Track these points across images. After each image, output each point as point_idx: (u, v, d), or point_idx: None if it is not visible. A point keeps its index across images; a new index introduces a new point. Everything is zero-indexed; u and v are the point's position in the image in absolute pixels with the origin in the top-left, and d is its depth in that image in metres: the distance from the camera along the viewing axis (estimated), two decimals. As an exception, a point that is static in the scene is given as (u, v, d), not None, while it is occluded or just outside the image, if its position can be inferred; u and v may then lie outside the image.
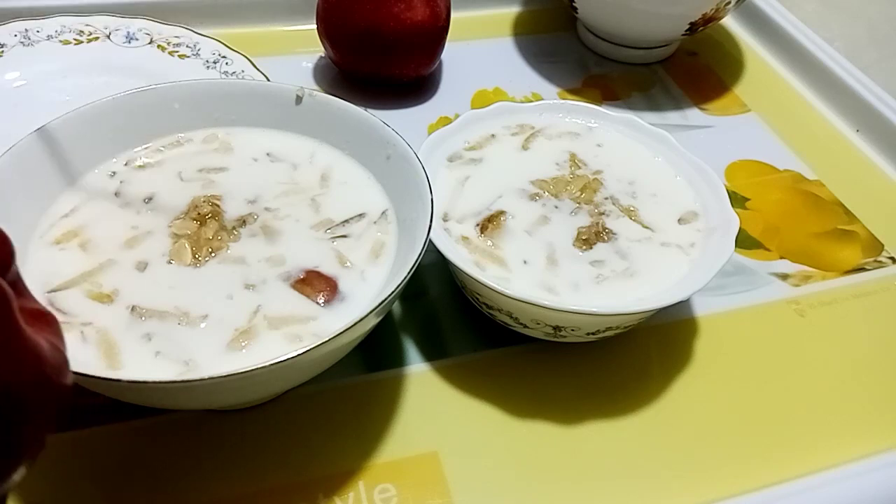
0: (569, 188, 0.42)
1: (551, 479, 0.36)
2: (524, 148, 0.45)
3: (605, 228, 0.40)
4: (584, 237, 0.39)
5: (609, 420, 0.38)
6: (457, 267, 0.36)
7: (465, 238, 0.39)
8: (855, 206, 0.52)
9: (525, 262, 0.38)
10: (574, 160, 0.44)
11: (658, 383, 0.40)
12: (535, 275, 0.37)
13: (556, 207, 0.41)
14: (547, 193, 0.42)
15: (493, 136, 0.45)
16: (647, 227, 0.41)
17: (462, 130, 0.44)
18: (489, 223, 0.40)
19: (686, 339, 0.42)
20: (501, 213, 0.40)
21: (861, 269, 0.47)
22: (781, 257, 0.48)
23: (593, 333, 0.38)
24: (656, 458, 0.37)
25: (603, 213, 0.41)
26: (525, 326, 0.38)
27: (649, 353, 0.41)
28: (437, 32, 0.53)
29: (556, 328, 0.37)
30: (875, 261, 0.48)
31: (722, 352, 0.42)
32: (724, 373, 0.41)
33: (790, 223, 0.50)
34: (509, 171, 0.43)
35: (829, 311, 0.45)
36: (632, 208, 0.42)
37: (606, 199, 0.42)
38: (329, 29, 0.53)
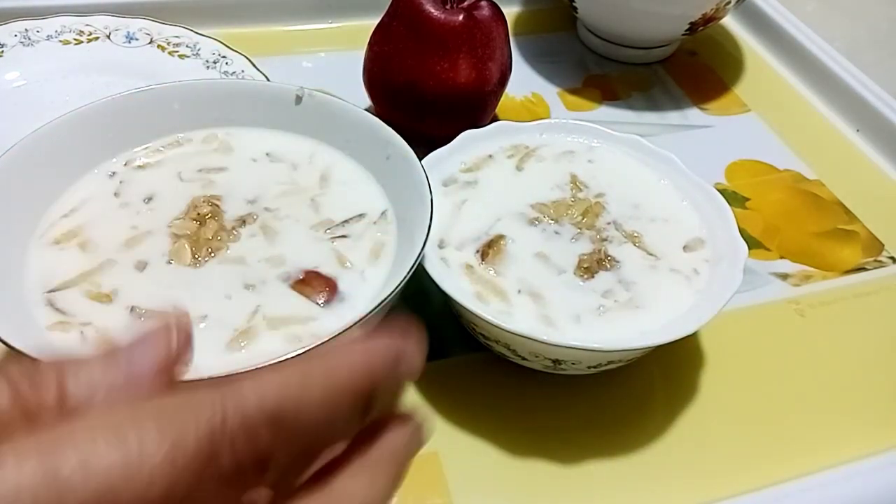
0: (570, 212, 0.40)
1: (551, 478, 0.36)
2: (521, 168, 0.43)
3: (607, 256, 0.38)
4: (585, 265, 0.38)
5: (608, 418, 0.38)
6: (453, 299, 0.34)
7: (469, 267, 0.37)
8: (855, 206, 0.52)
9: (524, 292, 0.36)
10: (575, 182, 0.42)
11: (657, 381, 0.40)
12: (535, 306, 0.36)
13: (557, 233, 0.39)
14: (547, 218, 0.40)
15: (490, 156, 0.43)
16: (651, 255, 0.39)
17: (458, 152, 0.42)
18: (489, 249, 0.38)
19: (685, 339, 0.42)
20: (501, 237, 0.39)
21: (861, 269, 0.47)
22: (781, 257, 0.48)
23: (594, 367, 0.37)
24: (655, 453, 0.37)
25: (605, 240, 0.39)
26: (523, 359, 0.37)
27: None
28: (481, 98, 0.48)
29: (556, 361, 0.36)
30: (875, 261, 0.48)
31: (722, 352, 0.42)
32: (724, 373, 0.41)
33: (790, 223, 0.50)
34: (508, 194, 0.41)
35: (829, 311, 0.45)
36: (636, 234, 0.40)
37: (609, 223, 0.40)
38: (372, 79, 0.49)
